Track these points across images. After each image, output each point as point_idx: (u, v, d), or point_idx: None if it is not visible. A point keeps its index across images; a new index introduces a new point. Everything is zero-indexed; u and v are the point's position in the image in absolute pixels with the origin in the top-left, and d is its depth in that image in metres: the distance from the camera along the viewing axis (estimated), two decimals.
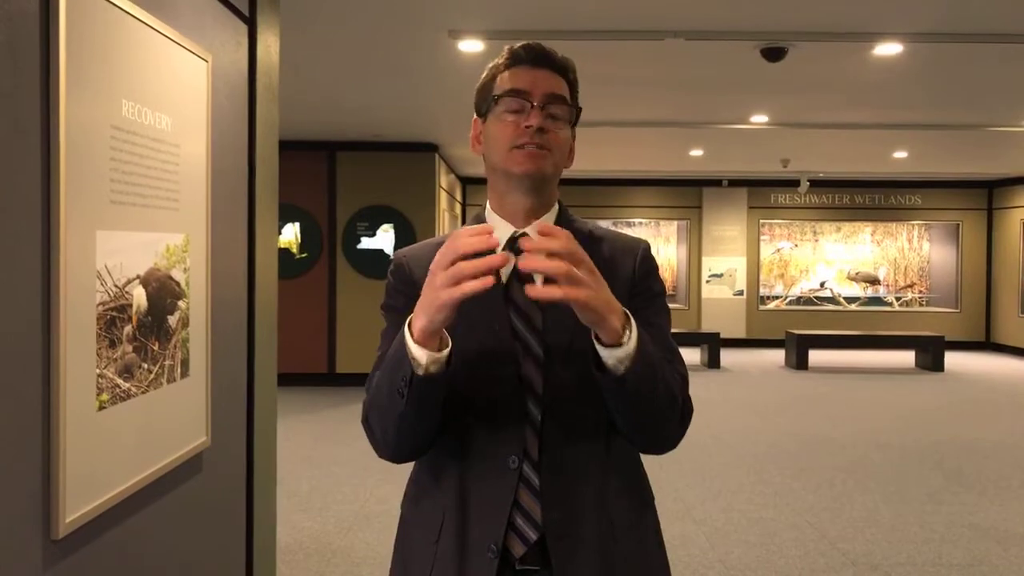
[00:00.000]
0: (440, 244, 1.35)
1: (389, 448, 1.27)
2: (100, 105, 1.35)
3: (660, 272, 1.42)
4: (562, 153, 1.30)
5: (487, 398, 1.26)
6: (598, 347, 1.15)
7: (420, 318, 1.12)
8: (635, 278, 1.33)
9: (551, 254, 1.07)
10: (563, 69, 1.31)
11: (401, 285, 1.34)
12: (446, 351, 1.15)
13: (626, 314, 1.15)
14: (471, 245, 1.08)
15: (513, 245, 1.31)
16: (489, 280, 1.06)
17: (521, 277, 1.26)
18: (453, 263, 1.08)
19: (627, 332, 1.14)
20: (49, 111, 1.23)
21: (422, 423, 1.21)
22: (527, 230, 1.31)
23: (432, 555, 1.27)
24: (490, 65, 1.34)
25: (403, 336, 1.15)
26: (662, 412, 1.24)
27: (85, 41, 1.30)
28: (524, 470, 1.24)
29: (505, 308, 1.27)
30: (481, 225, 1.15)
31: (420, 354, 1.12)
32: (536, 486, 1.24)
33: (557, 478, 1.25)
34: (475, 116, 1.37)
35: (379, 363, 1.27)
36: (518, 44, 1.32)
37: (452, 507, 1.27)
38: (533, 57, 1.29)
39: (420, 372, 1.13)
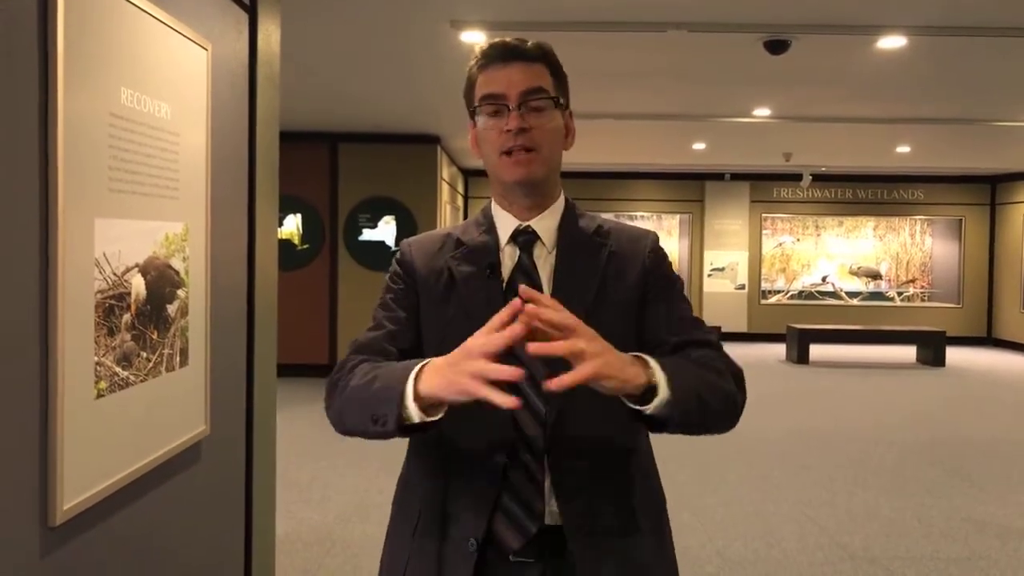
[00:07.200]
0: (446, 235, 1.36)
1: (340, 430, 1.26)
2: (99, 93, 1.34)
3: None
4: (553, 144, 1.29)
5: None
6: (637, 408, 1.10)
7: (434, 385, 1.07)
8: (647, 268, 1.33)
9: (552, 326, 1.04)
10: (537, 56, 1.28)
11: (404, 273, 1.36)
12: (436, 417, 1.11)
13: (643, 359, 1.10)
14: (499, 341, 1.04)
15: (517, 237, 1.32)
16: (511, 399, 1.01)
17: (518, 289, 1.26)
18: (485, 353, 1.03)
19: (652, 379, 1.09)
20: (47, 99, 1.22)
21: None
22: (532, 224, 1.32)
23: (408, 549, 1.29)
24: (468, 66, 1.32)
25: (407, 378, 1.11)
26: (720, 417, 1.22)
27: (83, 28, 1.30)
28: (527, 463, 1.24)
29: (505, 303, 1.26)
30: (512, 319, 1.07)
31: (414, 413, 1.10)
32: (539, 480, 1.24)
33: (566, 470, 1.24)
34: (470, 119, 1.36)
35: (370, 343, 1.28)
36: (487, 44, 1.29)
37: (432, 502, 1.28)
38: (502, 54, 1.26)
39: (404, 424, 1.11)
